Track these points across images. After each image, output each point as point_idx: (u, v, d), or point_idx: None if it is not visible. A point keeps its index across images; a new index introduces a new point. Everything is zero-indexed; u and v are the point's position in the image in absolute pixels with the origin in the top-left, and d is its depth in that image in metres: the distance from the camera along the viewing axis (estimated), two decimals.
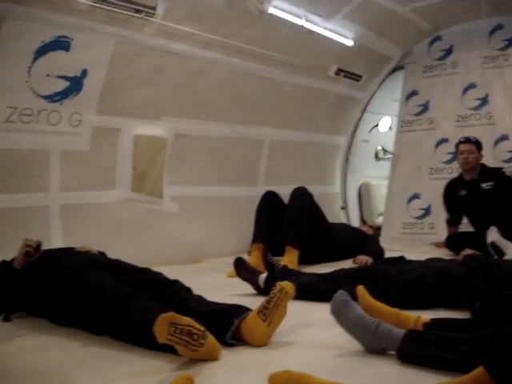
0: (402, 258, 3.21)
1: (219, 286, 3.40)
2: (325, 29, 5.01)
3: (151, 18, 3.92)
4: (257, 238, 4.11)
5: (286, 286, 2.25)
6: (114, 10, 3.70)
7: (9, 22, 3.34)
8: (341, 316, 2.12)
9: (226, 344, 2.14)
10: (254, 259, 3.83)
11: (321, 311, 2.43)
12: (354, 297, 2.25)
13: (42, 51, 3.57)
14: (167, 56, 4.24)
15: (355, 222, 6.55)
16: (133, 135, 4.30)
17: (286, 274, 3.15)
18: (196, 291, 2.58)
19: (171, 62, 4.30)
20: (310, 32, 4.89)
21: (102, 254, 3.00)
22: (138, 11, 3.83)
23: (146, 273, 2.67)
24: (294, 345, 2.23)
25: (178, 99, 4.50)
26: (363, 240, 4.42)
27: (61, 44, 3.64)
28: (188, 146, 4.68)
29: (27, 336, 2.42)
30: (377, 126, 7.03)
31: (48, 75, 3.68)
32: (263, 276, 3.10)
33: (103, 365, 2.06)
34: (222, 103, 4.84)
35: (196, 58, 4.42)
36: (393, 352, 1.97)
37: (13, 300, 2.68)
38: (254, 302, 2.30)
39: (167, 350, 2.04)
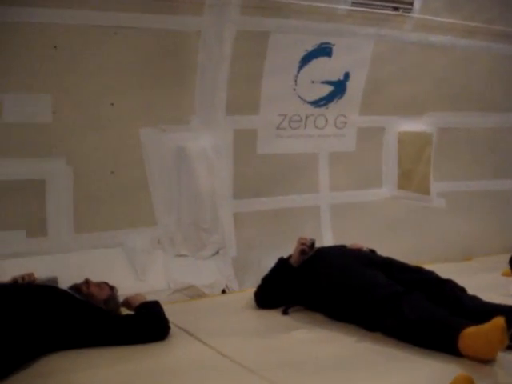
0: None
1: (494, 285, 3.23)
2: None
3: (409, 14, 3.90)
4: None
5: None
6: (372, 11, 3.76)
7: (274, 36, 3.61)
8: None
9: None
10: None
11: None
12: None
13: (306, 59, 3.79)
14: (427, 50, 4.16)
15: None
16: (397, 133, 4.31)
17: None
18: (469, 291, 2.50)
19: (431, 55, 4.21)
20: None
21: (372, 251, 3.07)
22: (395, 9, 3.85)
23: (418, 271, 2.67)
24: None
25: (440, 92, 4.38)
26: None
27: (323, 50, 3.82)
28: (453, 140, 4.52)
29: (303, 329, 2.58)
30: None
31: (313, 82, 3.88)
32: None
33: (377, 361, 2.13)
34: (487, 92, 4.58)
35: (457, 49, 4.26)
36: None
37: (290, 295, 2.88)
38: None
39: (443, 349, 2.02)
